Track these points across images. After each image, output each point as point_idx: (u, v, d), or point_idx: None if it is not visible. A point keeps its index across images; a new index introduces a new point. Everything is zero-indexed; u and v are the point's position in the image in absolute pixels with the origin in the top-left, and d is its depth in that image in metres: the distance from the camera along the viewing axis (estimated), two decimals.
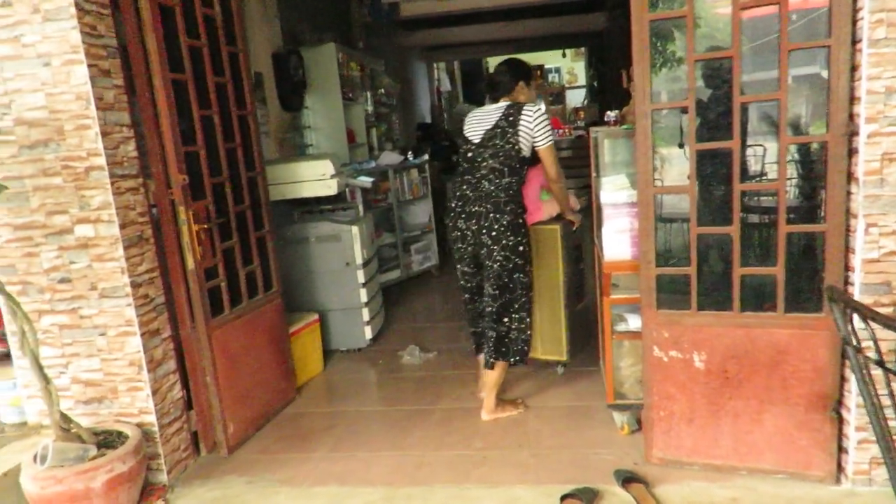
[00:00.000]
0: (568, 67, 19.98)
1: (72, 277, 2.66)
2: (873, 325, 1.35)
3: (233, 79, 3.18)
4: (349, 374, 3.99)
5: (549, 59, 19.10)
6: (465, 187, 3.10)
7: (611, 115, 2.95)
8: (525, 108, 3.00)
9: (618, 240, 2.80)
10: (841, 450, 2.44)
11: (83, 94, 2.48)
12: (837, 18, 2.15)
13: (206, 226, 2.91)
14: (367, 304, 4.27)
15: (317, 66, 5.78)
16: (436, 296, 5.70)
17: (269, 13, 5.10)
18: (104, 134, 2.54)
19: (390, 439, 3.08)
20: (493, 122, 3.07)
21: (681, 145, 2.87)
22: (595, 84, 13.82)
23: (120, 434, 2.63)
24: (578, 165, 13.01)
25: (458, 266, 3.35)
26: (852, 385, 2.33)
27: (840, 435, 2.43)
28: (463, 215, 3.10)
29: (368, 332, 4.31)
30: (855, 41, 2.16)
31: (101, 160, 2.53)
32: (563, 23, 10.38)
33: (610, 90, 10.49)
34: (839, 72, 2.18)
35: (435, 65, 13.39)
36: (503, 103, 3.13)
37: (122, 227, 2.61)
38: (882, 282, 2.24)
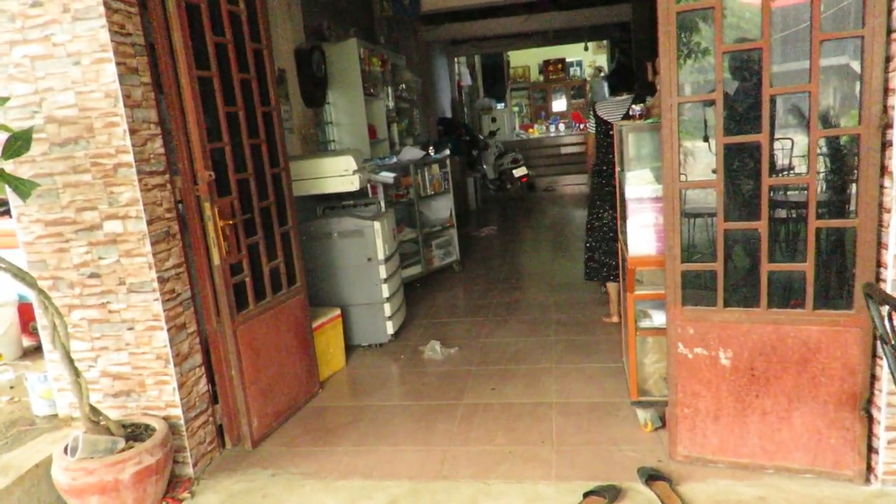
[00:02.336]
0: (589, 61, 19.77)
1: (101, 273, 2.70)
2: None
3: (257, 75, 3.20)
4: (371, 369, 4.01)
5: (570, 52, 18.93)
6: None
7: (636, 108, 2.92)
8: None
9: (643, 235, 2.77)
10: (871, 449, 2.40)
11: (112, 92, 2.52)
12: (872, 7, 2.10)
13: (231, 221, 2.94)
14: (388, 299, 4.28)
15: (339, 62, 5.81)
16: (457, 291, 5.70)
17: (293, 9, 5.13)
18: (132, 131, 2.57)
19: (414, 434, 3.09)
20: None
21: (705, 138, 2.84)
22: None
23: (147, 427, 2.68)
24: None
25: (606, 209, 4.19)
26: (884, 384, 2.28)
27: (870, 434, 2.39)
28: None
29: (390, 328, 4.33)
30: (890, 31, 2.10)
31: (129, 157, 2.57)
32: (585, 15, 10.29)
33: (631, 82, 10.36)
34: (873, 63, 2.13)
35: (456, 59, 13.36)
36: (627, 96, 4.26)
37: (150, 223, 2.65)
38: None
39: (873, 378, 2.34)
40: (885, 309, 1.44)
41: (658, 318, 2.89)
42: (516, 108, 18.70)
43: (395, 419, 3.28)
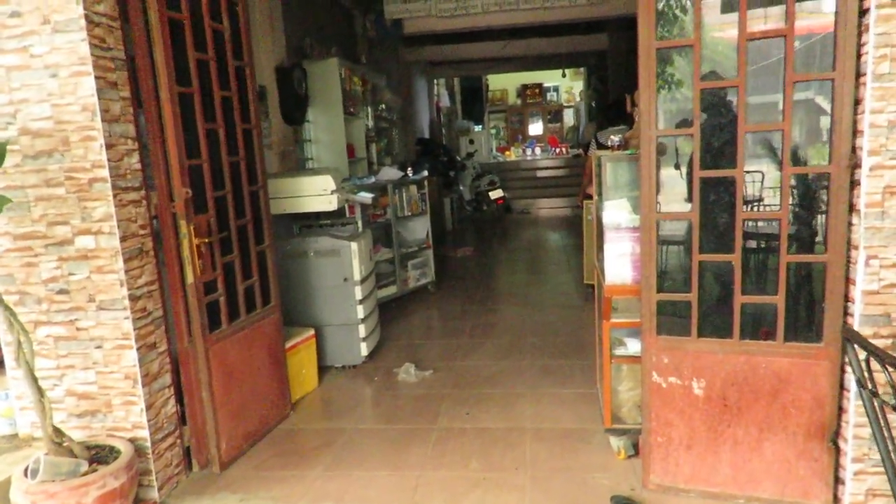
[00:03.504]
0: (566, 87, 20.13)
1: (70, 289, 2.64)
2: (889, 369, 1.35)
3: (238, 92, 3.19)
4: (344, 391, 3.96)
5: (548, 77, 19.26)
6: None
7: (615, 139, 2.97)
8: None
9: (619, 263, 2.81)
10: (838, 480, 2.44)
11: (90, 105, 2.48)
12: (842, 52, 2.18)
13: (207, 240, 2.90)
14: (363, 320, 4.25)
15: (320, 80, 5.81)
16: (432, 313, 5.68)
17: (275, 25, 5.13)
18: (109, 146, 2.53)
19: (387, 458, 3.05)
20: None
21: (676, 166, 2.90)
22: (593, 104, 13.91)
23: (112, 449, 2.60)
24: (574, 185, 13.13)
25: None
26: (851, 416, 2.33)
27: (837, 465, 2.43)
28: None
29: (364, 349, 4.29)
30: (859, 74, 2.19)
31: (105, 172, 2.53)
32: (564, 43, 10.49)
33: (607, 110, 10.54)
34: (843, 104, 2.21)
35: (434, 80, 13.48)
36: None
37: (123, 239, 2.60)
38: (882, 313, 2.25)
39: (840, 410, 2.39)
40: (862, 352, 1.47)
41: (633, 346, 2.92)
42: (493, 131, 18.90)
43: (369, 443, 3.24)
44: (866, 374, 1.47)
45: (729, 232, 2.41)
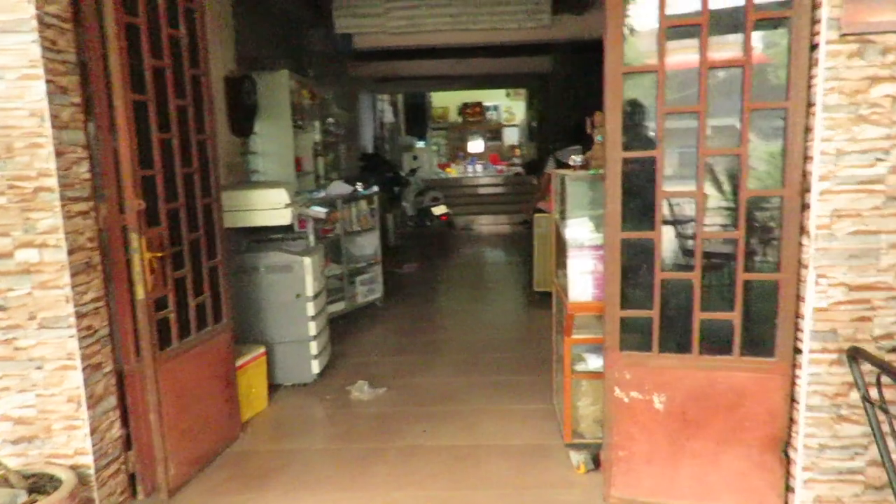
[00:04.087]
0: (505, 106, 20.50)
1: (8, 305, 2.46)
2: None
3: (194, 102, 3.08)
4: (297, 411, 3.84)
5: (488, 96, 19.58)
6: None
7: (577, 159, 3.04)
8: None
9: (582, 281, 2.86)
10: (789, 489, 2.54)
11: (38, 111, 2.34)
12: (794, 84, 2.31)
13: (159, 254, 2.77)
14: (315, 337, 4.15)
15: (269, 92, 5.68)
16: (382, 328, 5.62)
17: (225, 35, 5.00)
18: (58, 154, 2.39)
19: (347, 480, 2.97)
20: None
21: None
22: (534, 124, 14.23)
23: (52, 478, 2.42)
24: (516, 202, 13.37)
25: None
26: (801, 427, 2.44)
27: (788, 475, 2.53)
28: None
29: (316, 367, 4.19)
30: (809, 104, 2.32)
31: (53, 181, 2.38)
32: (508, 64, 10.70)
33: (550, 130, 10.84)
34: (795, 133, 2.33)
35: (378, 96, 13.46)
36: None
37: (71, 252, 2.45)
38: (829, 329, 2.37)
39: (792, 422, 2.50)
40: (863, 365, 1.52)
41: (593, 362, 2.97)
42: (435, 148, 19.01)
43: (326, 464, 3.15)
44: (861, 387, 1.53)
45: (689, 251, 2.49)
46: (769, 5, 2.41)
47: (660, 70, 2.41)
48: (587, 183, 2.98)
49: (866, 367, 2.21)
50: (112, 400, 2.69)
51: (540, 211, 6.29)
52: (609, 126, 2.49)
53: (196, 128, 3.10)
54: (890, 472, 1.48)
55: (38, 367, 2.49)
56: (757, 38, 2.38)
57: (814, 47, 2.30)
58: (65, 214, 2.42)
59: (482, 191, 14.49)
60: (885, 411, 1.52)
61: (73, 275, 2.46)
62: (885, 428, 1.72)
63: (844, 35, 2.23)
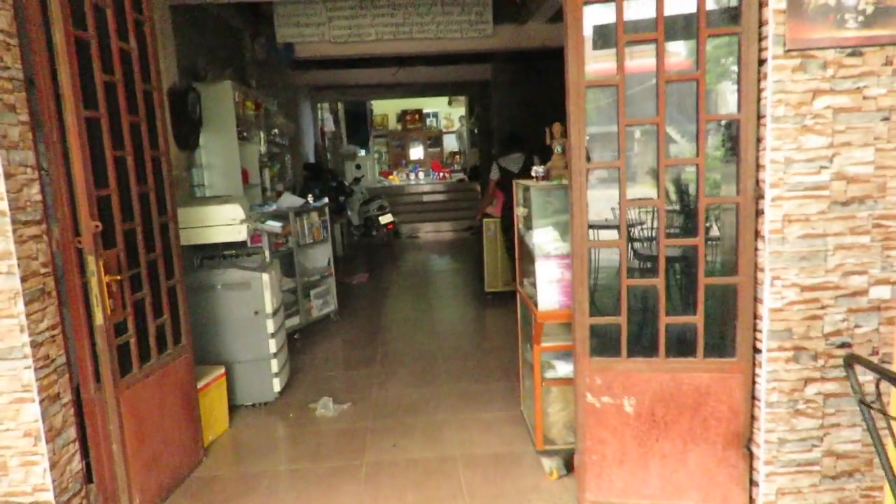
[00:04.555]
0: (445, 113, 20.65)
1: None
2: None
3: (147, 117, 2.97)
4: (260, 431, 3.75)
5: (427, 103, 19.68)
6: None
7: (539, 170, 3.11)
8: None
9: (550, 290, 2.92)
10: (752, 483, 2.67)
11: None
12: (745, 97, 2.44)
13: (117, 277, 2.66)
14: (275, 354, 4.07)
15: (213, 104, 5.54)
16: (339, 342, 5.55)
17: (166, 46, 4.84)
18: (7, 175, 2.27)
19: (319, 500, 2.92)
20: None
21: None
22: (475, 131, 14.38)
23: None
24: (460, 208, 13.47)
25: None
26: (761, 423, 2.57)
27: (751, 469, 2.66)
28: None
29: (277, 385, 4.10)
30: (760, 116, 2.46)
31: (3, 204, 2.26)
32: (450, 72, 10.78)
33: (492, 137, 10.98)
34: (748, 143, 2.46)
35: (319, 105, 13.31)
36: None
37: (24, 279, 2.33)
38: (785, 329, 2.51)
39: (753, 419, 2.62)
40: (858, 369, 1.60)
41: (562, 368, 3.03)
42: (377, 155, 18.95)
43: (296, 485, 3.09)
44: (858, 393, 1.61)
45: (653, 258, 2.59)
46: (719, 22, 2.54)
47: (620, 84, 2.50)
48: (550, 193, 3.05)
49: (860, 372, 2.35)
50: (71, 432, 2.57)
51: (487, 216, 6.55)
52: (572, 138, 2.56)
53: (150, 144, 3.00)
54: (889, 479, 1.58)
55: None
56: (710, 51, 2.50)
57: (762, 62, 2.43)
58: (16, 239, 2.30)
59: (426, 198, 14.55)
60: (884, 413, 1.61)
61: (27, 302, 2.34)
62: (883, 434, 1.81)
63: (789, 51, 2.38)
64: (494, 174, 6.23)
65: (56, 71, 2.45)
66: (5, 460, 2.38)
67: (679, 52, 3.20)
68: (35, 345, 2.36)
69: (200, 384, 3.48)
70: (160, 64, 4.55)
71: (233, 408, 3.92)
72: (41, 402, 2.38)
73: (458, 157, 19.43)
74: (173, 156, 4.84)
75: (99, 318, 2.59)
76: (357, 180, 12.52)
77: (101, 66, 2.65)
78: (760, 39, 2.43)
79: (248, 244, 4.50)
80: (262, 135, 6.81)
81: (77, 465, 2.60)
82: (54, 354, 2.48)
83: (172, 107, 4.87)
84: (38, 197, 2.45)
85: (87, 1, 2.58)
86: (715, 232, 2.77)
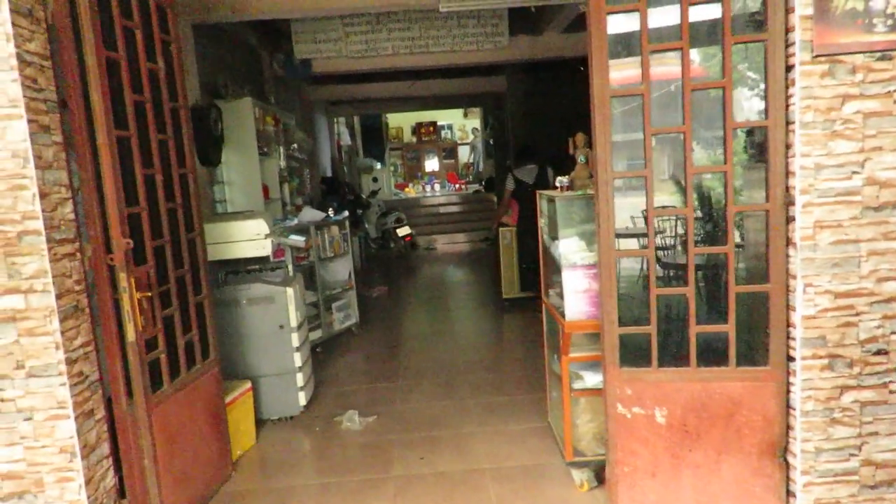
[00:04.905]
0: (459, 124, 20.72)
1: None
2: None
3: (175, 135, 3.02)
4: (287, 445, 3.76)
5: (442, 115, 19.77)
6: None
7: (563, 180, 3.10)
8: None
9: (577, 300, 2.90)
10: (789, 493, 2.62)
11: (21, 151, 2.26)
12: (773, 103, 2.43)
13: (148, 294, 2.69)
14: (300, 368, 4.08)
15: (234, 120, 5.61)
16: (361, 355, 5.56)
17: (189, 65, 4.92)
18: (42, 195, 2.31)
19: None
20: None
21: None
22: (491, 142, 14.41)
23: None
24: (476, 220, 13.47)
25: (528, 241, 6.04)
26: (797, 432, 2.53)
27: (788, 479, 2.62)
28: None
29: (302, 398, 4.11)
30: (788, 122, 2.44)
31: (38, 224, 2.29)
32: (464, 84, 10.83)
33: (508, 147, 10.99)
34: (776, 149, 2.44)
35: (335, 119, 13.42)
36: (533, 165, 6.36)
37: (59, 297, 2.36)
38: (819, 336, 2.48)
39: (788, 428, 2.58)
40: None
41: (590, 379, 3.01)
42: (392, 168, 19.06)
43: (325, 500, 3.08)
44: None
45: (682, 267, 2.57)
46: (744, 29, 2.53)
47: (645, 93, 2.49)
48: (574, 203, 3.04)
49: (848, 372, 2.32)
50: (105, 448, 2.59)
51: (503, 225, 6.75)
52: (598, 148, 2.56)
53: (177, 161, 3.04)
54: None
55: (27, 419, 2.37)
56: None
57: (789, 68, 2.42)
58: (52, 257, 2.34)
59: (442, 210, 14.57)
60: None
61: (62, 320, 2.37)
62: None
63: (816, 56, 2.36)
64: (510, 185, 6.52)
65: (88, 92, 2.49)
66: (41, 477, 2.40)
67: (693, 58, 3.20)
68: (70, 361, 2.39)
69: (228, 399, 3.50)
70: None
71: (259, 422, 3.93)
72: (76, 418, 2.40)
73: (471, 167, 19.47)
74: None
75: (130, 335, 2.62)
76: (374, 193, 12.60)
77: (130, 86, 2.69)
78: (787, 46, 2.41)
79: (271, 258, 4.53)
80: (281, 150, 6.88)
81: (111, 480, 2.62)
82: (88, 371, 2.51)
83: (195, 124, 4.92)
84: (72, 216, 2.48)
85: (118, 23, 2.63)
86: (739, 240, 2.74)
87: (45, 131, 2.36)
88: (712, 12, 2.54)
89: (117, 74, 2.64)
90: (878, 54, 2.34)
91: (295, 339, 4.02)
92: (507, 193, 6.58)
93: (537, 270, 5.86)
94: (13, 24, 2.20)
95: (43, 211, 2.31)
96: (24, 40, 2.28)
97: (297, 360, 4.04)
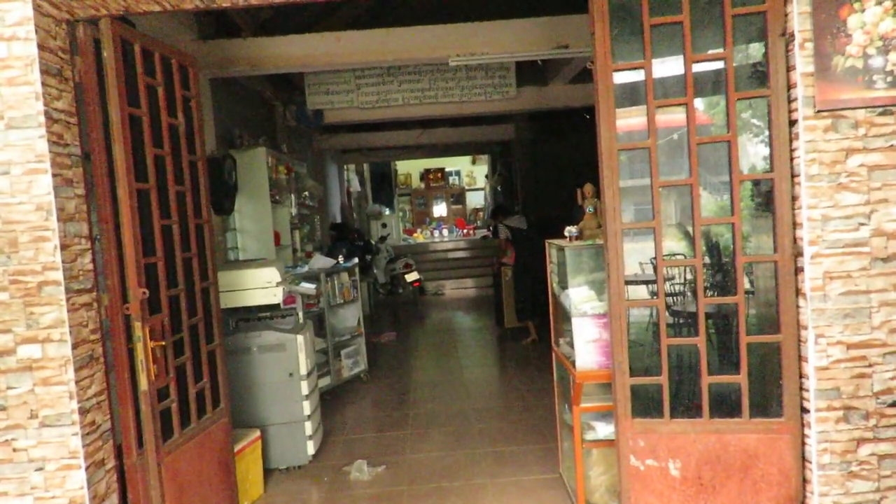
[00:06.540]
0: (467, 171, 20.99)
1: (7, 405, 2.37)
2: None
3: (192, 187, 3.10)
4: (295, 496, 3.71)
5: (449, 162, 20.06)
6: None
7: (572, 230, 3.14)
8: None
9: (588, 349, 2.90)
10: None
11: (44, 204, 2.33)
12: (778, 156, 2.47)
13: (162, 342, 2.71)
14: (309, 416, 4.06)
15: (247, 169, 5.74)
16: (369, 402, 5.52)
17: (205, 118, 5.06)
18: (63, 246, 2.37)
19: None
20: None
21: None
22: (499, 188, 14.57)
23: None
24: (483, 265, 13.51)
25: (525, 276, 7.17)
26: (814, 486, 2.48)
27: None
28: None
29: (311, 447, 4.07)
30: (794, 175, 2.48)
31: (58, 274, 2.35)
32: (471, 132, 11.04)
33: (514, 194, 11.13)
34: (783, 201, 2.48)
35: (345, 166, 13.65)
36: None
37: (75, 346, 2.39)
38: (833, 387, 2.46)
39: (805, 481, 2.54)
40: None
41: (602, 430, 2.98)
42: (401, 214, 19.23)
43: None
44: None
45: (693, 316, 2.58)
46: (747, 85, 2.59)
47: (651, 147, 2.55)
48: (582, 252, 3.08)
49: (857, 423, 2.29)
50: (114, 499, 2.57)
51: (504, 264, 7.83)
52: (606, 199, 2.60)
53: (194, 212, 3.11)
54: None
55: (39, 469, 2.38)
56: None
57: (792, 122, 2.48)
58: (69, 307, 2.38)
59: (451, 255, 14.63)
60: None
61: (77, 369, 2.40)
62: None
63: (819, 111, 2.42)
64: (503, 234, 7.74)
65: (110, 146, 2.58)
66: None
67: (698, 106, 3.28)
68: (83, 411, 2.41)
69: (236, 448, 3.47)
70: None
71: (267, 471, 3.89)
72: (87, 468, 2.40)
73: (480, 213, 19.63)
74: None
75: (143, 384, 2.64)
76: (383, 239, 12.68)
77: (151, 140, 2.78)
78: (790, 101, 2.48)
79: (282, 305, 4.56)
80: (292, 197, 7.00)
81: None
82: (100, 420, 2.52)
83: (210, 174, 5.04)
84: (90, 266, 2.54)
85: (141, 81, 2.73)
86: (748, 287, 2.75)
87: (69, 184, 2.44)
88: (715, 64, 2.62)
89: (139, 129, 2.73)
90: (880, 109, 2.40)
91: (304, 387, 4.01)
92: (502, 241, 7.83)
93: (527, 303, 6.88)
94: (43, 84, 2.30)
95: (63, 262, 2.36)
96: (53, 98, 2.38)
97: (307, 408, 4.02)
